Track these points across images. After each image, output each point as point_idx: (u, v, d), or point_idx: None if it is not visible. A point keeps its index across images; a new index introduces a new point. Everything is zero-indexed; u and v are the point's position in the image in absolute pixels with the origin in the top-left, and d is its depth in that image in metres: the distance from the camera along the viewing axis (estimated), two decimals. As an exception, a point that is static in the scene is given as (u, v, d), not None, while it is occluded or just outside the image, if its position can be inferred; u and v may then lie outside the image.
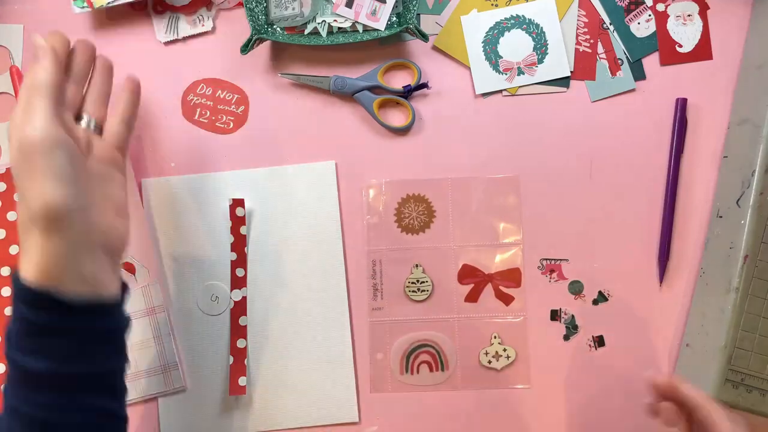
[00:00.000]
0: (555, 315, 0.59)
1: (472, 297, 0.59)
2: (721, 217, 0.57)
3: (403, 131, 0.60)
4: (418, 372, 0.59)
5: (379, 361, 0.59)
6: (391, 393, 0.59)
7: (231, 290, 0.59)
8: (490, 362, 0.59)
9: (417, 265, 0.59)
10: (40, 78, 0.42)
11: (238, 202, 0.58)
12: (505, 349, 0.59)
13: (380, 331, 0.59)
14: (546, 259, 0.59)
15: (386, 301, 0.59)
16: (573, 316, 0.59)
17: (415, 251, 0.59)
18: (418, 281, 0.59)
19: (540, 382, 0.59)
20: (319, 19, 0.59)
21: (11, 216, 0.58)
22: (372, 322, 0.59)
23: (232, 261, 0.59)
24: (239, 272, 0.59)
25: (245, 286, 0.59)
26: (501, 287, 0.59)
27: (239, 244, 0.59)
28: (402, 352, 0.59)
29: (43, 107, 0.41)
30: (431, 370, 0.59)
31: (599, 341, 0.59)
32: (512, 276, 0.59)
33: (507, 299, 0.59)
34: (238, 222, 0.58)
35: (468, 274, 0.59)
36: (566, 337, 0.59)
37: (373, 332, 0.59)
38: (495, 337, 0.59)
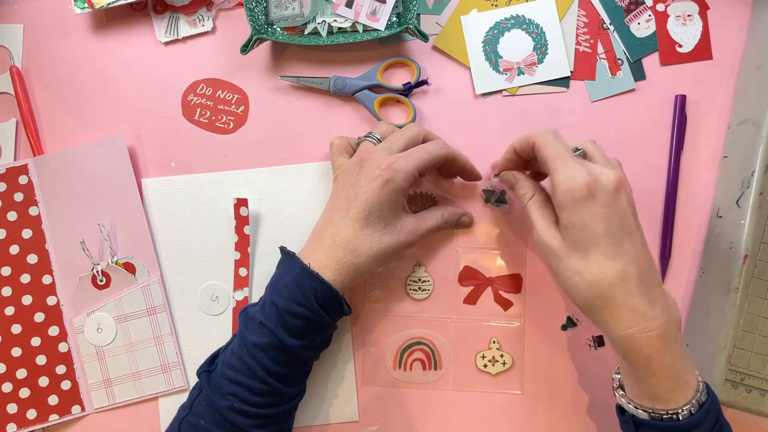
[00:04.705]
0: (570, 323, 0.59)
1: (471, 299, 0.59)
2: (721, 217, 0.57)
3: (403, 131, 0.60)
4: (411, 369, 0.59)
5: (373, 354, 0.59)
6: (382, 388, 0.59)
7: (234, 290, 0.59)
8: (485, 366, 0.58)
9: (419, 264, 0.59)
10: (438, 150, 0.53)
11: (242, 202, 0.58)
12: (502, 355, 0.59)
13: (376, 323, 0.59)
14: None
15: (384, 294, 0.59)
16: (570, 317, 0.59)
17: (417, 249, 0.59)
18: (419, 280, 0.59)
19: (532, 389, 0.59)
20: (319, 19, 0.59)
21: (11, 216, 0.58)
22: (368, 313, 0.59)
23: (235, 260, 0.59)
24: (242, 272, 0.59)
25: (248, 286, 0.59)
26: (501, 291, 0.59)
27: (243, 243, 0.59)
28: (397, 348, 0.59)
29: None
30: (424, 368, 0.59)
31: (599, 341, 0.59)
32: (513, 281, 0.59)
33: (506, 304, 0.59)
34: (242, 221, 0.58)
35: (468, 276, 0.59)
36: (564, 327, 0.59)
37: (368, 324, 0.59)
38: (494, 342, 0.59)
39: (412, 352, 0.59)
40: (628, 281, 0.45)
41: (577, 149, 0.50)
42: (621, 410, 0.49)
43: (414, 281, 0.59)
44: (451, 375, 0.59)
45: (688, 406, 0.45)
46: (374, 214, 0.50)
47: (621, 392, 0.49)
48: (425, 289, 0.59)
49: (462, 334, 0.59)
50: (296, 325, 0.49)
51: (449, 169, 0.56)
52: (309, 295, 0.48)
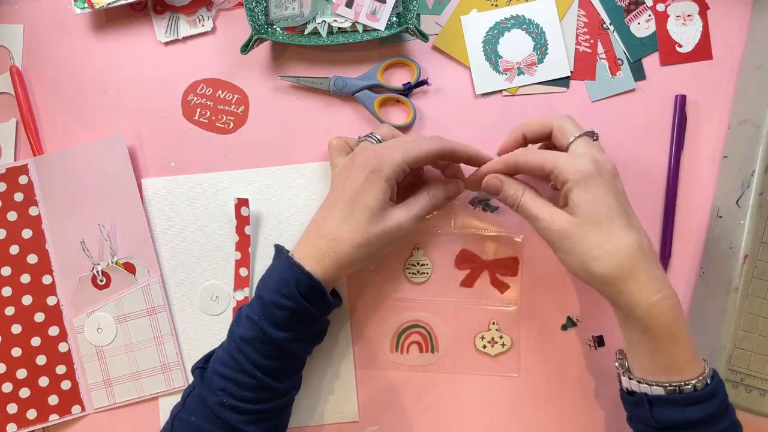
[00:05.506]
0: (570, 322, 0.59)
1: (468, 282, 0.59)
2: (721, 217, 0.57)
3: (404, 129, 0.60)
4: (407, 352, 0.59)
5: (370, 337, 0.59)
6: (380, 370, 0.59)
7: (234, 290, 0.59)
8: (484, 347, 0.59)
9: (418, 248, 0.59)
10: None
11: (242, 202, 0.58)
12: (501, 336, 0.59)
13: (374, 306, 0.59)
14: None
15: (383, 278, 0.59)
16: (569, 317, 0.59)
17: (415, 232, 0.59)
18: (418, 263, 0.59)
19: (528, 373, 0.59)
20: (319, 19, 0.59)
21: (11, 216, 0.58)
22: (367, 296, 0.59)
23: (236, 260, 0.59)
24: (243, 272, 0.59)
25: (248, 286, 0.59)
26: (497, 275, 0.59)
27: (243, 243, 0.59)
28: (393, 331, 0.59)
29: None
30: (421, 351, 0.59)
31: (599, 341, 0.59)
32: (509, 264, 0.59)
33: (502, 287, 0.59)
34: (242, 221, 0.58)
35: (465, 259, 0.59)
36: (564, 327, 0.59)
37: (367, 307, 0.59)
38: (493, 323, 0.59)
39: (409, 335, 0.59)
40: (645, 250, 0.46)
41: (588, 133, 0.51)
42: (629, 394, 0.49)
43: (413, 264, 0.59)
44: (449, 358, 0.59)
45: (704, 376, 0.46)
46: (360, 204, 0.50)
47: (629, 375, 0.48)
48: (424, 273, 0.59)
49: (459, 317, 0.59)
50: (281, 317, 0.49)
51: (455, 161, 0.55)
52: (292, 286, 0.49)
